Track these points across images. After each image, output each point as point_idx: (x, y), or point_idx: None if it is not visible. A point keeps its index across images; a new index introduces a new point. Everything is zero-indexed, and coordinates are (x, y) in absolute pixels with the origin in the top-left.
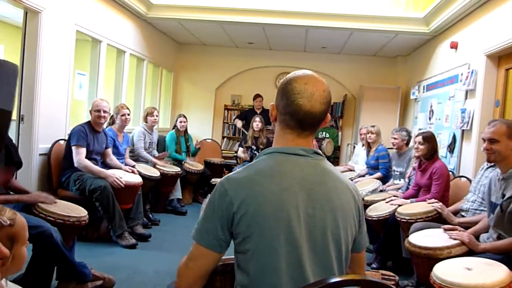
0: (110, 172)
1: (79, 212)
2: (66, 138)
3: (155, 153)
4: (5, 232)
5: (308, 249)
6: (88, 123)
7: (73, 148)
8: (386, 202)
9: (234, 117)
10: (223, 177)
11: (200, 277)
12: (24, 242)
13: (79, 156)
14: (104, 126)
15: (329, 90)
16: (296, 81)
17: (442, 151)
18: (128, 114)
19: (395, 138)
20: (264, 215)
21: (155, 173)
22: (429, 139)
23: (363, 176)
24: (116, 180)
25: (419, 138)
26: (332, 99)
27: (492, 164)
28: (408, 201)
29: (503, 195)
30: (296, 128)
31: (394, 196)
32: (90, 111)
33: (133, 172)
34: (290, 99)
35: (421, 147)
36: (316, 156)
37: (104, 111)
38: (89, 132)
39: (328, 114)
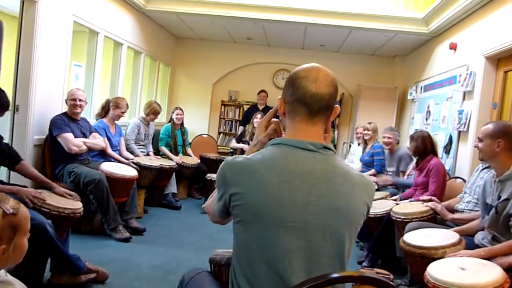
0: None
1: (74, 204)
2: None
3: (150, 147)
4: (7, 221)
5: (301, 245)
6: (65, 113)
7: (59, 138)
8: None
9: (231, 123)
10: (227, 159)
11: (217, 221)
12: (26, 233)
13: (69, 142)
14: (94, 118)
15: (334, 77)
16: (300, 69)
17: (438, 151)
18: (124, 113)
19: (389, 138)
20: (257, 205)
21: (155, 163)
22: (416, 138)
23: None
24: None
25: (410, 138)
26: None
27: (487, 165)
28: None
29: (499, 197)
30: (305, 113)
31: (394, 200)
32: (66, 101)
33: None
34: (295, 84)
35: (410, 145)
36: (325, 151)
37: (80, 100)
38: (68, 121)
39: (337, 106)
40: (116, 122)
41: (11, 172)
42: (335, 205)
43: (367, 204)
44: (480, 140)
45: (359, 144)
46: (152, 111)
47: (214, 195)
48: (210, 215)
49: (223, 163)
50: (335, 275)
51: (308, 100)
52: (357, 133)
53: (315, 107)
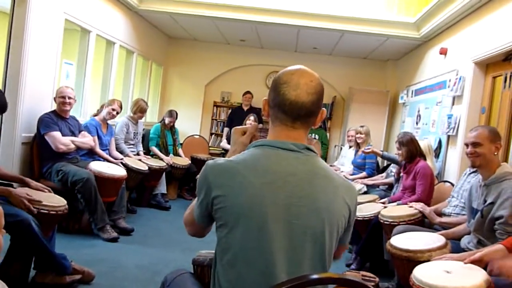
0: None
1: (58, 201)
2: None
3: (140, 146)
4: None
5: (283, 246)
6: (54, 111)
7: (46, 137)
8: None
9: (223, 124)
10: (209, 161)
11: (196, 232)
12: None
13: (56, 141)
14: (88, 117)
15: (320, 82)
16: (284, 73)
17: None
18: (117, 113)
19: None
20: (240, 206)
21: (143, 166)
22: (406, 143)
23: (350, 175)
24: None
25: (397, 144)
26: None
27: (475, 170)
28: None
29: (485, 201)
30: (285, 120)
31: (382, 203)
32: (55, 98)
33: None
34: (277, 90)
35: (399, 152)
36: (307, 152)
37: (69, 98)
38: (57, 119)
39: (324, 109)
40: (108, 122)
41: None
42: (317, 206)
43: (349, 207)
44: (479, 144)
45: (350, 147)
46: (139, 109)
47: (193, 203)
48: (188, 226)
49: (204, 165)
50: (315, 276)
51: (287, 107)
52: (348, 136)
53: (294, 114)
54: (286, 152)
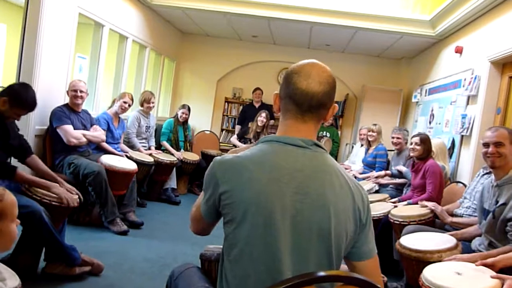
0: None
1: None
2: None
3: (152, 141)
4: None
5: (289, 243)
6: (66, 105)
7: (58, 130)
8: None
9: (234, 120)
10: (217, 157)
11: (202, 229)
12: (13, 219)
13: (68, 134)
14: (101, 111)
15: (331, 75)
16: (296, 65)
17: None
18: (129, 105)
19: (398, 138)
20: (247, 202)
21: (148, 158)
22: (425, 141)
23: (360, 174)
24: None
25: (416, 139)
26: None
27: (488, 171)
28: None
29: (497, 202)
30: (295, 111)
31: (393, 203)
32: (67, 92)
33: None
34: (288, 80)
35: (417, 147)
36: (315, 148)
37: (81, 91)
38: (69, 113)
39: (335, 105)
40: (120, 116)
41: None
42: (323, 202)
43: (358, 206)
44: (502, 144)
45: (362, 145)
46: (144, 99)
47: (198, 200)
48: (195, 223)
49: (212, 162)
50: (321, 273)
51: (298, 97)
52: (360, 134)
53: (304, 105)
54: (294, 148)
